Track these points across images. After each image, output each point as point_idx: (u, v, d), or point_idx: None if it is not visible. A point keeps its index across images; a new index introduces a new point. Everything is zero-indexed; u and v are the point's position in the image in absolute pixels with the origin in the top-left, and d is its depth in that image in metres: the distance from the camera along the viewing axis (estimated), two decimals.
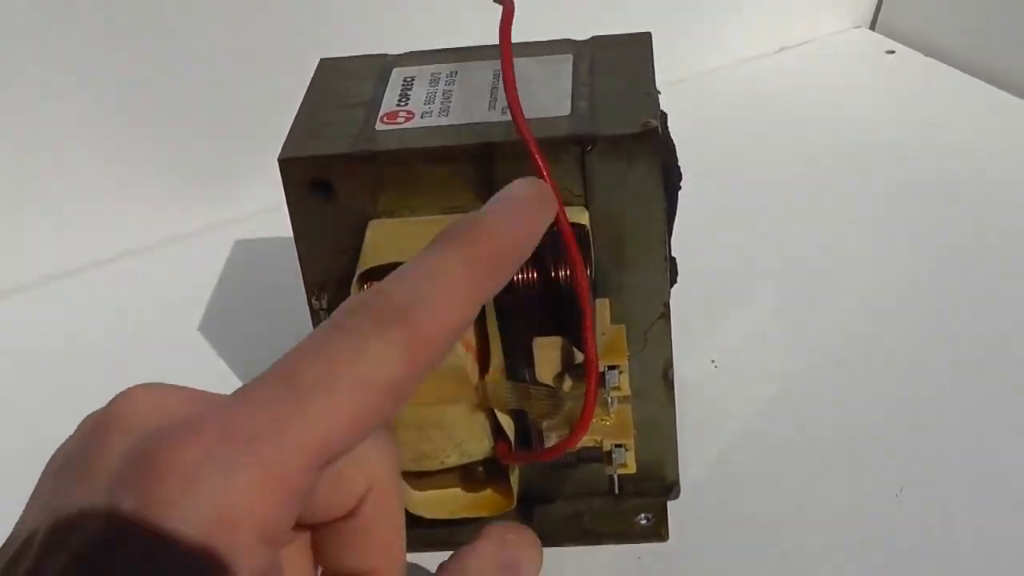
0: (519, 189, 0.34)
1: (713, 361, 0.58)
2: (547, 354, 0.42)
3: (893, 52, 0.88)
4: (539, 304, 0.42)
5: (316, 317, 0.46)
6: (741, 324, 0.61)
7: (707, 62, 0.86)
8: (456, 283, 0.29)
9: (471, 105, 0.45)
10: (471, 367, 0.43)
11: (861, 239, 0.68)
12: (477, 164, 0.43)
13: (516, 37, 0.45)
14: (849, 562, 0.48)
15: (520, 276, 0.42)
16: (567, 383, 0.43)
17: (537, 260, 0.42)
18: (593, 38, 0.49)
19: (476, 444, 0.45)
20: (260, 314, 0.65)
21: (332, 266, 0.45)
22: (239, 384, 0.57)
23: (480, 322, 0.43)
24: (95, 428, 0.29)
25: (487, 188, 0.43)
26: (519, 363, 0.44)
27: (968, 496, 0.50)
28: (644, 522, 0.50)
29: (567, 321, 0.42)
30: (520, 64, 0.46)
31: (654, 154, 0.43)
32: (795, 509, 0.51)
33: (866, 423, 0.54)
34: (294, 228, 0.45)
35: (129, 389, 0.29)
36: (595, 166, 0.43)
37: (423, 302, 0.28)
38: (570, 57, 0.48)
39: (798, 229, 0.69)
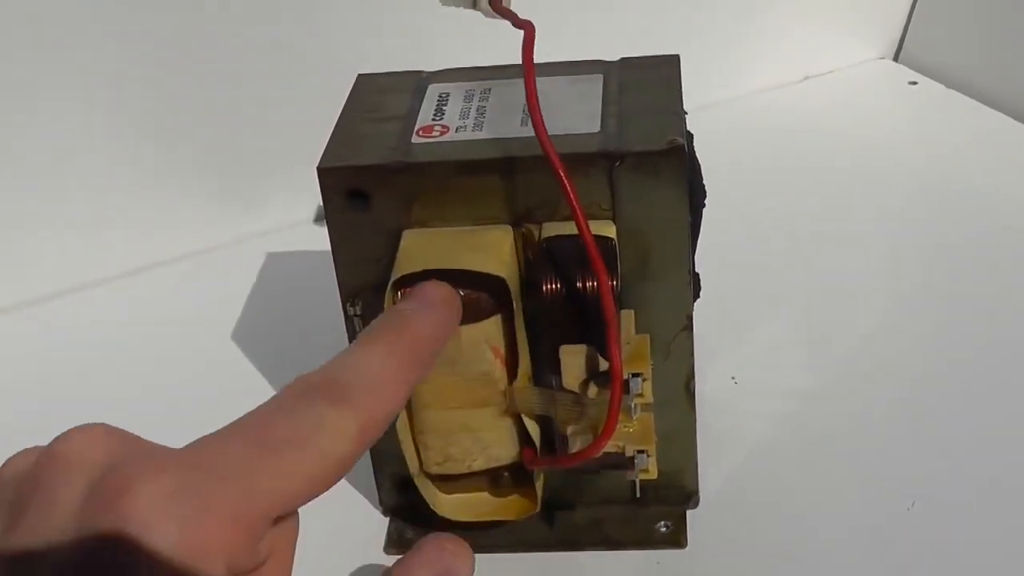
0: (431, 292, 0.40)
1: (733, 377, 0.59)
2: (573, 361, 0.44)
3: (916, 83, 0.89)
4: (566, 313, 0.44)
5: (350, 324, 0.48)
6: (761, 342, 0.62)
7: (733, 89, 0.87)
8: (390, 374, 0.34)
9: (504, 120, 0.47)
10: (499, 373, 0.45)
11: (881, 263, 0.69)
12: (508, 177, 0.44)
13: (551, 58, 0.47)
14: (862, 574, 0.49)
15: (548, 286, 0.43)
16: (592, 390, 0.44)
17: (564, 272, 0.43)
18: (623, 59, 0.50)
19: (502, 449, 0.47)
20: (290, 326, 0.67)
21: (367, 274, 0.46)
22: (270, 394, 0.59)
23: (509, 330, 0.44)
24: (43, 465, 0.29)
25: (517, 200, 0.45)
26: (546, 370, 0.45)
27: (980, 511, 0.52)
28: (663, 529, 0.51)
29: (593, 330, 0.43)
30: (552, 83, 0.48)
31: (680, 171, 0.44)
32: (810, 521, 0.52)
33: (881, 438, 0.56)
34: (331, 236, 0.47)
35: (71, 430, 0.30)
36: (623, 181, 0.44)
37: (368, 390, 0.32)
38: (600, 77, 0.49)
39: (819, 252, 0.70)
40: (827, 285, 0.67)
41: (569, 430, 0.45)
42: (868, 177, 0.77)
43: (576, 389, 0.44)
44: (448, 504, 0.48)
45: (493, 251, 0.44)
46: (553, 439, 0.46)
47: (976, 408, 0.57)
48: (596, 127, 0.46)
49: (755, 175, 0.77)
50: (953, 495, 0.52)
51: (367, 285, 0.47)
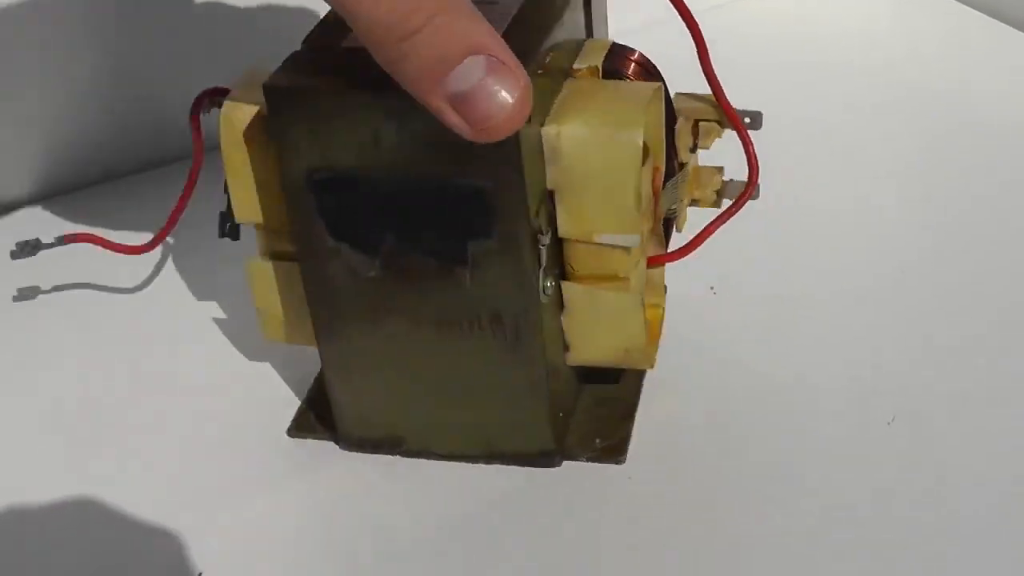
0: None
1: (712, 288, 0.59)
2: (683, 133, 0.50)
3: None
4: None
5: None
6: (741, 253, 0.61)
7: None
8: None
9: None
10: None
11: (871, 175, 0.69)
12: None
13: None
14: (840, 491, 0.49)
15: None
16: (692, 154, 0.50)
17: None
18: None
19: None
20: None
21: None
22: None
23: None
24: None
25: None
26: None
27: (959, 427, 0.51)
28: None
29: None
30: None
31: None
32: (787, 435, 0.52)
33: (859, 353, 0.56)
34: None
35: None
36: None
37: None
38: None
39: (809, 163, 0.69)
40: (815, 196, 0.66)
41: (684, 206, 0.51)
42: (865, 87, 0.77)
43: (686, 160, 0.50)
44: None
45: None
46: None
47: (958, 323, 0.57)
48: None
49: (748, 85, 0.74)
50: (934, 411, 0.52)
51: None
